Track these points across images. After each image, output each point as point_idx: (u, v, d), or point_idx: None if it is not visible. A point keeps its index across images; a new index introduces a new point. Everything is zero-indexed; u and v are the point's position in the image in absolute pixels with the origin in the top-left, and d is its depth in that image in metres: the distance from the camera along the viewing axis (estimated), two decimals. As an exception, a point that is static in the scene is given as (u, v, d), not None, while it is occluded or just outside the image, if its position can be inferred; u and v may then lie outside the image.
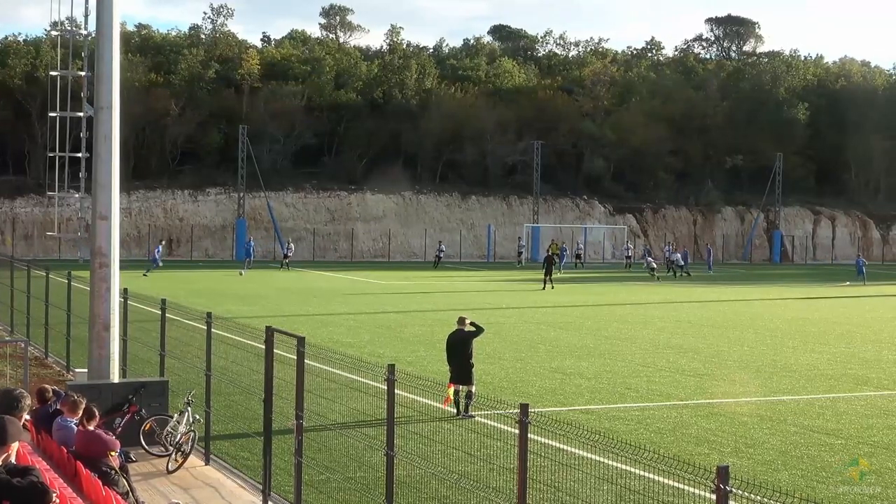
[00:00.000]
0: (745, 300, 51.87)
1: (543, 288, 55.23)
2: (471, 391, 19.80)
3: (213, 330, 16.86)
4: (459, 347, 20.19)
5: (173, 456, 16.26)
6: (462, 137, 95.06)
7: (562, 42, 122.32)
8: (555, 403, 21.34)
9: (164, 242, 73.60)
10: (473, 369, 20.24)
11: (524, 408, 9.84)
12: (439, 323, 34.35)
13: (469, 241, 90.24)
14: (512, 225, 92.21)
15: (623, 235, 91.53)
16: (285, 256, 71.26)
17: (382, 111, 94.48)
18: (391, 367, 11.90)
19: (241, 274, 62.07)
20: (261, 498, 14.55)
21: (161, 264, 63.37)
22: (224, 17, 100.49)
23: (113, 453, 13.03)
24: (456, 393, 19.47)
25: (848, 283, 68.00)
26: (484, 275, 68.67)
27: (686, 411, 20.98)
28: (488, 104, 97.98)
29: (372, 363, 14.72)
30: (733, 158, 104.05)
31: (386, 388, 11.93)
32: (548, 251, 66.86)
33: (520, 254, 78.80)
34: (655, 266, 70.87)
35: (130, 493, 13.15)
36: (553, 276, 57.36)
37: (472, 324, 20.51)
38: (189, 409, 16.56)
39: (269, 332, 14.46)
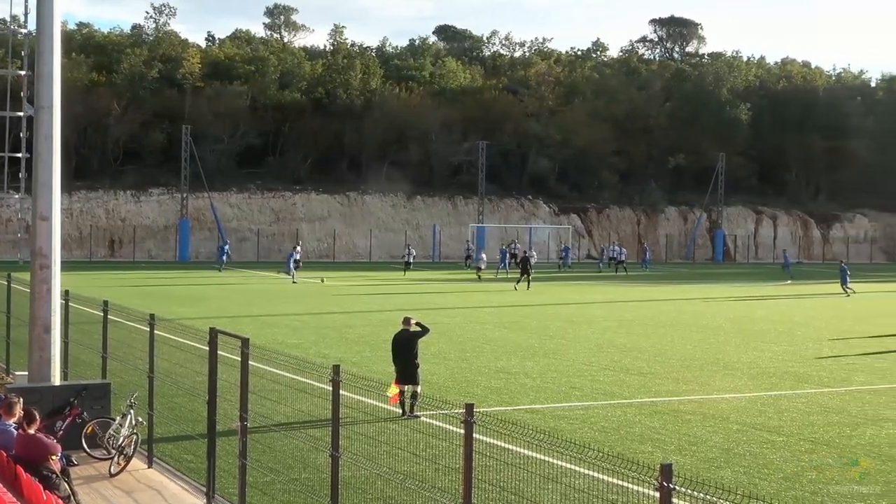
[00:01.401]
0: (689, 299, 52.30)
1: (516, 288, 55.82)
2: (416, 391, 19.77)
3: (156, 332, 16.73)
4: (405, 347, 20.17)
5: (116, 459, 16.07)
6: (407, 137, 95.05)
7: (507, 42, 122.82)
8: (500, 403, 21.39)
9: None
10: (419, 369, 20.25)
11: (469, 408, 9.86)
12: (384, 323, 34.30)
13: (414, 242, 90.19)
14: (457, 225, 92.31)
15: (568, 235, 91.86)
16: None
17: (327, 111, 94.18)
18: (336, 368, 11.87)
19: (219, 270, 65.80)
20: (204, 500, 14.43)
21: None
22: (167, 16, 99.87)
23: (54, 457, 12.89)
24: (402, 393, 19.46)
25: (789, 281, 68.87)
26: (430, 275, 68.64)
27: (630, 410, 21.11)
28: (433, 104, 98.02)
29: (317, 364, 14.68)
30: (676, 158, 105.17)
31: (331, 388, 11.90)
32: (524, 252, 67.18)
33: (468, 256, 78.43)
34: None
35: (72, 497, 13.03)
36: (531, 277, 57.98)
37: (417, 324, 20.50)
38: (132, 411, 16.37)
39: (213, 333, 14.36)
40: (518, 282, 57.11)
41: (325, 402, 12.59)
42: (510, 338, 33.21)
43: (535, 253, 74.49)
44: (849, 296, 55.02)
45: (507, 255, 72.84)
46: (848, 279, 56.47)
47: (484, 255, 63.39)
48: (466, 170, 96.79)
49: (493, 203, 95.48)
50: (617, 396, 22.69)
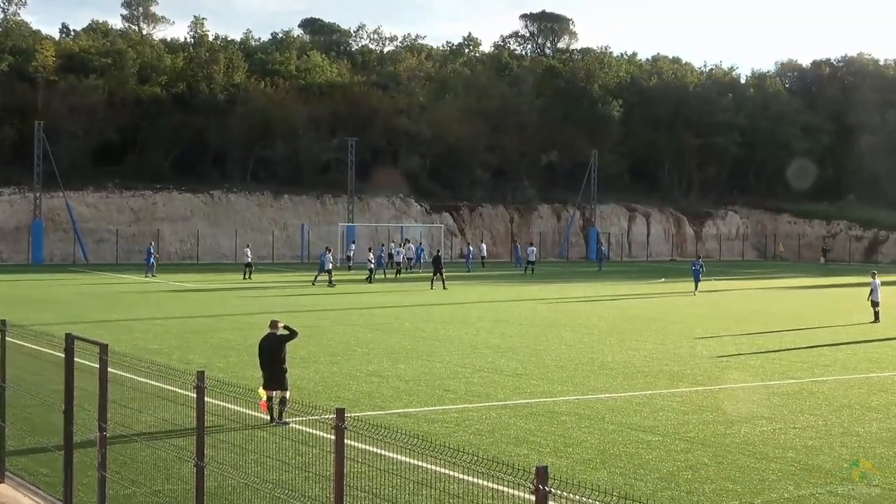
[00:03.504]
0: (563, 299, 52.94)
1: (431, 287, 57.24)
2: (285, 397, 19.57)
3: (7, 339, 16.23)
4: (272, 352, 19.98)
5: (-35, 474, 15.60)
6: (273, 134, 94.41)
7: (376, 37, 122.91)
8: (372, 407, 21.33)
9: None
10: (287, 374, 20.02)
11: (340, 412, 9.79)
12: (251, 327, 34.06)
13: (282, 242, 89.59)
14: (327, 224, 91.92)
15: (440, 234, 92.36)
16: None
17: (189, 106, 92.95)
18: (200, 374, 11.68)
19: (153, 276, 63.94)
20: (62, 516, 14.07)
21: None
22: (16, 6, 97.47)
23: None
24: (270, 399, 19.26)
25: (663, 279, 70.25)
26: (298, 276, 68.24)
27: (505, 412, 21.22)
28: (300, 99, 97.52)
29: (180, 370, 14.42)
30: (549, 155, 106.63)
31: (195, 395, 11.72)
32: (437, 250, 67.53)
33: (349, 257, 78.03)
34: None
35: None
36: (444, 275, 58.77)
37: (284, 327, 20.30)
38: (-19, 423, 15.91)
39: (70, 339, 14.00)
40: (433, 281, 58.02)
41: (190, 409, 12.39)
42: (382, 340, 33.18)
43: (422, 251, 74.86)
44: (695, 295, 55.81)
45: (384, 254, 73.03)
46: (700, 277, 57.59)
47: (330, 256, 62.00)
48: (336, 167, 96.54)
49: (363, 201, 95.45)
50: (491, 398, 22.79)
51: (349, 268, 73.95)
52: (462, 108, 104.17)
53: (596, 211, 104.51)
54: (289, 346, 20.36)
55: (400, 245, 77.17)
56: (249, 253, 66.83)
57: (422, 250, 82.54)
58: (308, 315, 40.11)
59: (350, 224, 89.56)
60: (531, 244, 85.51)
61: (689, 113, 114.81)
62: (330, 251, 62.97)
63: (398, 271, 70.87)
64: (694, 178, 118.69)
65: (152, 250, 67.51)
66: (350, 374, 25.91)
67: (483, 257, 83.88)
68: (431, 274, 59.38)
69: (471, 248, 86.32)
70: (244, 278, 62.74)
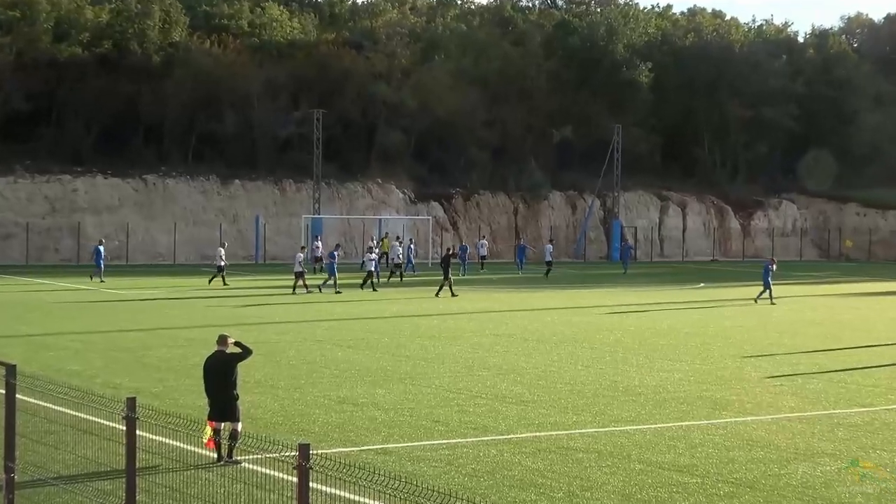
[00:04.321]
0: (579, 307, 52.78)
1: (438, 294, 56.97)
2: (236, 430, 19.47)
3: None
4: (220, 374, 19.90)
5: None
6: (220, 103, 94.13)
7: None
8: (343, 442, 21.30)
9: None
10: (238, 401, 19.98)
11: (304, 449, 9.77)
12: (194, 343, 33.90)
13: (231, 238, 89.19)
14: (287, 216, 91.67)
15: (428, 228, 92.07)
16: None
17: (116, 69, 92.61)
18: (131, 402, 11.66)
19: (101, 280, 63.33)
20: (-41, 576, 14.00)
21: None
22: None
23: None
24: (217, 432, 19.15)
25: (702, 284, 70.16)
26: (252, 281, 68.04)
27: (508, 448, 21.13)
28: (254, 62, 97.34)
29: (106, 397, 14.38)
30: (562, 131, 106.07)
31: (125, 428, 11.67)
32: (448, 249, 67.38)
33: (318, 258, 77.37)
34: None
35: None
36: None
37: (236, 343, 20.26)
38: None
39: (-31, 359, 13.95)
40: (440, 288, 57.51)
41: (118, 445, 12.35)
42: (355, 359, 33.04)
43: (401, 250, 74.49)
44: (761, 303, 55.84)
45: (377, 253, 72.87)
46: (771, 281, 57.05)
47: (301, 256, 61.35)
48: (298, 146, 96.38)
49: (332, 188, 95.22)
50: (491, 431, 22.74)
51: (315, 269, 73.63)
52: (455, 72, 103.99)
53: (620, 200, 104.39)
54: (241, 366, 20.29)
55: (396, 241, 76.47)
56: (223, 255, 65.36)
57: (412, 250, 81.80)
58: (264, 329, 39.93)
59: (316, 216, 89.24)
60: (551, 241, 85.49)
61: (734, 79, 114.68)
62: (304, 249, 63.03)
63: (392, 273, 70.09)
64: (740, 158, 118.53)
65: (102, 249, 67.09)
66: (316, 402, 25.79)
67: (482, 257, 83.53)
68: (442, 278, 58.47)
69: (466, 246, 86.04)
70: (219, 284, 62.19)
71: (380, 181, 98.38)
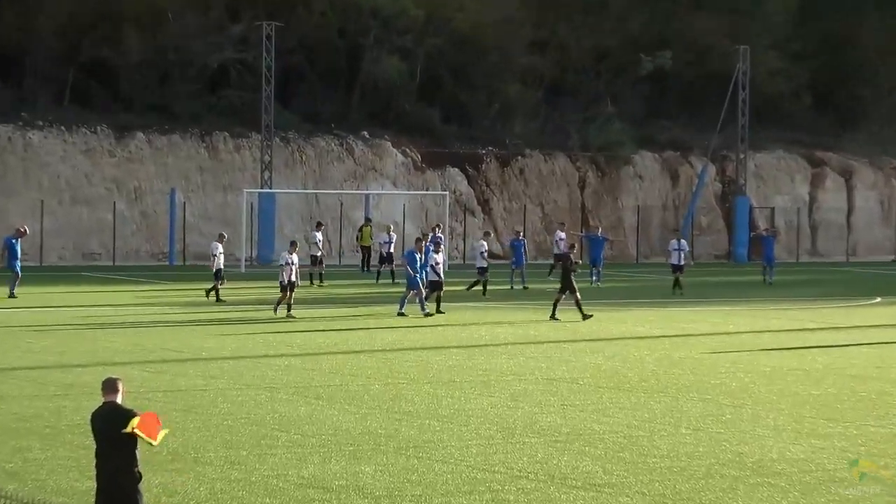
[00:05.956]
0: (683, 335, 42.92)
1: (553, 315, 44.55)
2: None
3: None
4: (111, 440, 16.21)
5: None
6: (115, 18, 75.23)
7: None
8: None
9: None
10: (141, 484, 16.57)
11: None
12: (72, 391, 28.18)
13: (133, 222, 70.24)
14: (220, 190, 72.63)
15: (444, 208, 73.91)
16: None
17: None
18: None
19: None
20: None
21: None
22: None
23: None
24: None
25: (878, 299, 58.38)
26: (164, 290, 57.18)
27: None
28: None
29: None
30: (653, 58, 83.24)
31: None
32: (567, 245, 53.56)
33: (317, 260, 61.86)
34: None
35: None
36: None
37: (133, 431, 17.25)
38: None
39: None
40: (555, 305, 45.17)
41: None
42: (328, 418, 26.52)
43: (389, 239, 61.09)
44: None
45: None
46: None
47: (294, 257, 47.59)
48: (237, 81, 78.12)
49: (290, 147, 77.67)
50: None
51: (312, 276, 59.29)
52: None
53: (748, 165, 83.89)
54: (141, 425, 17.14)
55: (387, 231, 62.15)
56: (220, 251, 51.45)
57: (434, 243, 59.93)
58: (183, 367, 32.53)
59: (265, 190, 72.29)
60: (680, 236, 63.87)
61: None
62: (224, 238, 51.29)
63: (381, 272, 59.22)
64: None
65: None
66: (266, 485, 20.57)
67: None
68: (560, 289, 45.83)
69: (522, 241, 63.71)
70: (206, 296, 50.57)
71: (366, 135, 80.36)
